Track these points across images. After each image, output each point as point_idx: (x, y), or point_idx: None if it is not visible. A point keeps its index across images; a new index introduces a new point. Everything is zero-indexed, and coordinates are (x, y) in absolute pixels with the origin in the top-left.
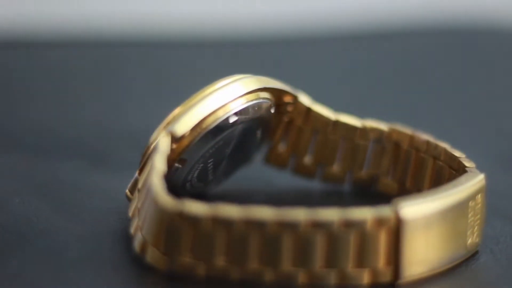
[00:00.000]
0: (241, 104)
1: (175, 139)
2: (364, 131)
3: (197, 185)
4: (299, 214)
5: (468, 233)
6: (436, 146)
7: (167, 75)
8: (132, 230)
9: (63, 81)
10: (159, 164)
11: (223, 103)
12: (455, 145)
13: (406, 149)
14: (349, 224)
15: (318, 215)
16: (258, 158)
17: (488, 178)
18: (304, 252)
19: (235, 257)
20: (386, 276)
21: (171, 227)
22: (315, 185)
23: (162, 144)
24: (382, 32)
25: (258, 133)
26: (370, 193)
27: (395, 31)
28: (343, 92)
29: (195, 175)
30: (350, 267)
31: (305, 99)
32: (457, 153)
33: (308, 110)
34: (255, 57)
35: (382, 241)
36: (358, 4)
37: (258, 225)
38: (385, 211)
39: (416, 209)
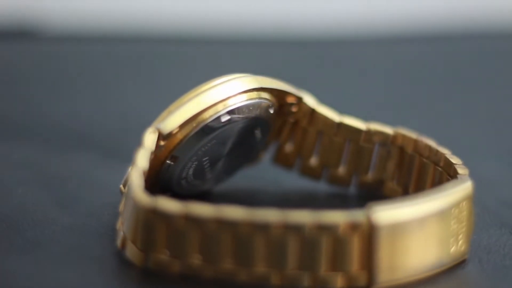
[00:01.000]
0: (234, 103)
1: (162, 136)
2: (368, 134)
3: (194, 182)
4: (271, 216)
5: (451, 240)
6: (437, 152)
7: (188, 71)
8: (118, 225)
9: (82, 75)
10: (140, 160)
11: (215, 102)
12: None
13: (411, 153)
14: (321, 228)
15: (289, 217)
16: (267, 157)
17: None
18: (276, 254)
19: (209, 256)
20: (360, 281)
21: (145, 223)
22: (322, 186)
23: (147, 140)
24: (422, 35)
25: (257, 133)
26: (376, 197)
27: (439, 34)
28: (381, 94)
29: (190, 172)
30: (323, 270)
31: (309, 100)
32: (454, 160)
33: (313, 111)
34: (287, 56)
35: (356, 245)
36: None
37: (229, 225)
38: (358, 215)
39: (389, 214)
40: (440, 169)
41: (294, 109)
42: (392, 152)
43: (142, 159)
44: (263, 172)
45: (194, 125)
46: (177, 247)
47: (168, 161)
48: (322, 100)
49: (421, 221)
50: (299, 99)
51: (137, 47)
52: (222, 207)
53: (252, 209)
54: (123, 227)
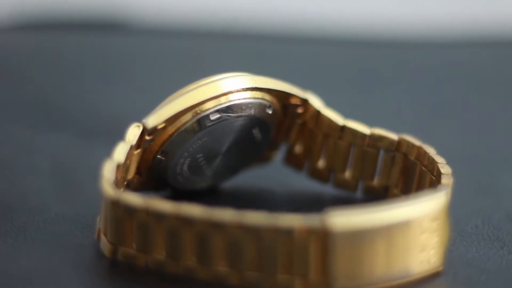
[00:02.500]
0: (225, 101)
1: (147, 131)
2: (372, 139)
3: (192, 178)
4: (227, 215)
5: (421, 252)
6: (432, 161)
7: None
8: (98, 218)
9: (164, 69)
10: (116, 154)
11: (204, 99)
12: None
13: (413, 161)
14: (276, 230)
15: (245, 218)
16: (280, 157)
17: None
18: (234, 254)
19: (172, 253)
20: (318, 286)
21: (112, 216)
22: (329, 189)
23: (128, 134)
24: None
25: (256, 133)
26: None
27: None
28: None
29: (185, 168)
30: (279, 273)
31: (315, 102)
32: (443, 169)
33: (318, 113)
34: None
35: (312, 250)
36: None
37: (188, 222)
38: (313, 220)
39: (346, 220)
40: (434, 178)
41: (299, 110)
42: (397, 158)
43: (119, 153)
44: (274, 172)
45: (183, 121)
46: (143, 241)
47: (159, 156)
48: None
49: (382, 230)
50: (304, 101)
51: (225, 43)
52: (182, 204)
53: (211, 208)
54: (99, 219)
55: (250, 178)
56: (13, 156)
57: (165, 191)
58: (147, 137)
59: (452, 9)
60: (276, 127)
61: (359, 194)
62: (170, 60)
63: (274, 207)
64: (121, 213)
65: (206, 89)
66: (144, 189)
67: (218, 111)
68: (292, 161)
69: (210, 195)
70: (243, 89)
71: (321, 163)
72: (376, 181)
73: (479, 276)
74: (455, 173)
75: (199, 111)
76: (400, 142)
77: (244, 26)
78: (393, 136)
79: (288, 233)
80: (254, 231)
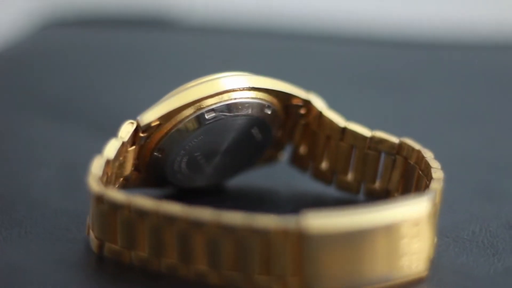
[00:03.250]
0: (220, 100)
1: (141, 128)
2: (373, 141)
3: (192, 176)
4: (205, 214)
5: (402, 257)
6: (428, 166)
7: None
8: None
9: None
10: (106, 150)
11: (201, 97)
12: None
13: (412, 165)
14: (253, 231)
15: (222, 217)
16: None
17: None
18: (213, 253)
19: (154, 250)
20: (295, 286)
21: (97, 212)
22: (333, 191)
23: (121, 130)
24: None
25: (255, 132)
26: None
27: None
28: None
29: (183, 165)
30: (257, 274)
31: (318, 103)
32: (435, 174)
33: (320, 114)
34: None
35: (288, 251)
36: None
37: (168, 220)
38: (289, 222)
39: (322, 223)
40: (428, 183)
41: (302, 111)
42: (398, 162)
43: (109, 149)
44: (280, 172)
45: (179, 119)
46: (127, 238)
47: (155, 153)
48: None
49: (359, 234)
50: (306, 102)
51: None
52: (162, 202)
53: (190, 206)
54: (89, 215)
55: (256, 177)
56: (25, 149)
57: (170, 189)
58: (141, 134)
59: (473, 10)
60: (278, 127)
61: (361, 197)
62: (214, 58)
63: (276, 207)
64: (105, 209)
65: (202, 87)
66: (145, 186)
67: (213, 110)
68: (297, 162)
69: (214, 194)
70: (240, 88)
71: (324, 165)
72: (378, 184)
73: (464, 283)
74: (461, 178)
75: (194, 110)
76: (401, 145)
77: (287, 24)
78: (394, 139)
79: (264, 234)
80: (232, 231)
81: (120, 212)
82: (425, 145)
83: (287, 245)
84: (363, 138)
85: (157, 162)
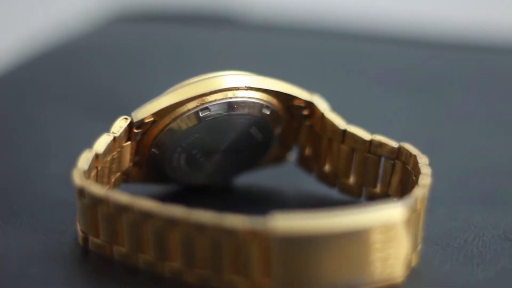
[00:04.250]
0: (215, 99)
1: (135, 124)
2: (372, 145)
3: (193, 173)
4: (178, 212)
5: (374, 263)
6: (419, 171)
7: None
8: None
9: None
10: (96, 144)
11: (195, 95)
12: None
13: (410, 170)
14: (222, 230)
15: (193, 215)
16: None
17: None
18: (186, 251)
19: (132, 245)
20: (260, 285)
21: (80, 205)
22: (337, 194)
23: (114, 125)
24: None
25: (255, 132)
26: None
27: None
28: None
29: (182, 162)
30: (227, 273)
31: (321, 105)
32: (421, 181)
33: (323, 116)
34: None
35: (256, 252)
36: None
37: (145, 216)
38: (257, 223)
39: (289, 225)
40: None
41: (305, 112)
42: (397, 167)
43: (99, 144)
44: (290, 173)
45: (173, 116)
46: (107, 232)
47: (153, 149)
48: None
49: (328, 237)
50: (308, 103)
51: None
52: (137, 198)
53: (163, 204)
54: None
55: (264, 177)
56: (51, 141)
57: (176, 186)
58: (135, 130)
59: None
60: (282, 128)
61: (364, 200)
62: (273, 56)
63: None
64: (87, 202)
65: (198, 85)
66: (149, 182)
67: (208, 108)
68: (303, 163)
69: (222, 193)
70: (236, 87)
71: (327, 167)
72: (379, 188)
73: None
74: (469, 185)
75: (189, 107)
76: (400, 150)
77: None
78: (394, 143)
79: (233, 233)
80: (203, 230)
81: (100, 207)
82: (447, 150)
83: (255, 246)
84: (362, 141)
85: (155, 158)
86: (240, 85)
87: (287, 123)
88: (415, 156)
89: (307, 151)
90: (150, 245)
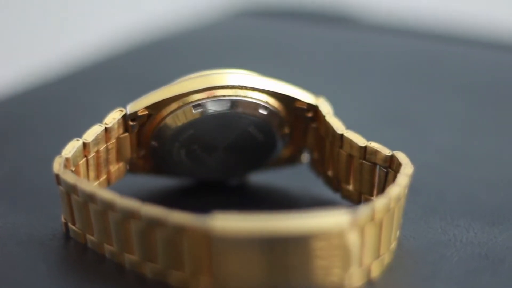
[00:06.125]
0: (208, 96)
1: (128, 116)
2: (366, 152)
3: (196, 167)
4: (133, 205)
5: (317, 270)
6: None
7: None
8: None
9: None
10: (86, 134)
11: (189, 91)
12: None
13: None
14: (168, 226)
15: (143, 209)
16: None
17: None
18: (141, 245)
19: (99, 235)
20: (207, 286)
21: (60, 193)
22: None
23: (107, 116)
24: None
25: (253, 132)
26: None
27: None
28: None
29: (183, 156)
30: (174, 269)
31: (324, 108)
32: (390, 190)
33: (324, 119)
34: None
35: (197, 249)
36: None
37: (104, 207)
38: (199, 221)
39: (228, 225)
40: None
41: (309, 114)
42: (390, 175)
43: (88, 133)
44: (302, 174)
45: (168, 110)
46: (80, 220)
47: (152, 142)
48: None
49: (267, 240)
50: (311, 106)
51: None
52: (100, 189)
53: (120, 196)
54: None
55: (272, 177)
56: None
57: (190, 180)
58: (130, 122)
59: None
60: (289, 129)
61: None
62: (384, 58)
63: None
64: (62, 190)
65: (192, 82)
66: (158, 173)
67: (200, 105)
68: (312, 165)
69: (235, 190)
70: (230, 86)
71: (330, 172)
72: (375, 197)
73: None
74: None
75: (181, 103)
76: (392, 159)
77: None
78: (387, 151)
79: (178, 230)
80: (153, 224)
81: (72, 195)
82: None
83: (196, 244)
84: (357, 147)
85: (155, 151)
86: (235, 84)
87: (295, 125)
88: (401, 166)
89: (315, 154)
90: (111, 236)
